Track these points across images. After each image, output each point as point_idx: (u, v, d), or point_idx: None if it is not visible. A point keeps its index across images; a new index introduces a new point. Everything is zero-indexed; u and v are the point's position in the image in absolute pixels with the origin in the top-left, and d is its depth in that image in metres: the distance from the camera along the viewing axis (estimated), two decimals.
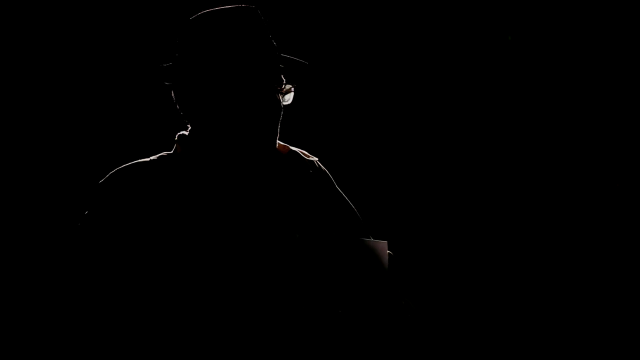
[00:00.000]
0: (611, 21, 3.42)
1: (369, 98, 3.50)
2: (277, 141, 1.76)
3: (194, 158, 1.68)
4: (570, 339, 3.38)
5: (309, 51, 1.86)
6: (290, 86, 1.70)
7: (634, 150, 3.43)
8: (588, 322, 3.39)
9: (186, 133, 1.74)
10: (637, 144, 3.43)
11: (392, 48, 3.50)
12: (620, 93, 3.44)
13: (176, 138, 1.75)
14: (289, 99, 1.70)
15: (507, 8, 3.49)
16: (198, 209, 1.61)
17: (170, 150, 1.73)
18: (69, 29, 3.04)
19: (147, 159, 1.70)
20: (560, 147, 3.48)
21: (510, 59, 3.51)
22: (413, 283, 1.96)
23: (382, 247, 1.75)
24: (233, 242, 1.60)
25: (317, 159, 1.86)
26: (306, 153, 1.84)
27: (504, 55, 3.51)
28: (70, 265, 1.60)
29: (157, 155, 1.72)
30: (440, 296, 3.32)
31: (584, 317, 3.39)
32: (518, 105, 3.52)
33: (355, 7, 3.45)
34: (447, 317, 3.31)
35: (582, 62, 3.46)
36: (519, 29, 3.50)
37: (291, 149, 1.80)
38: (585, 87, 3.47)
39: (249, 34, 1.66)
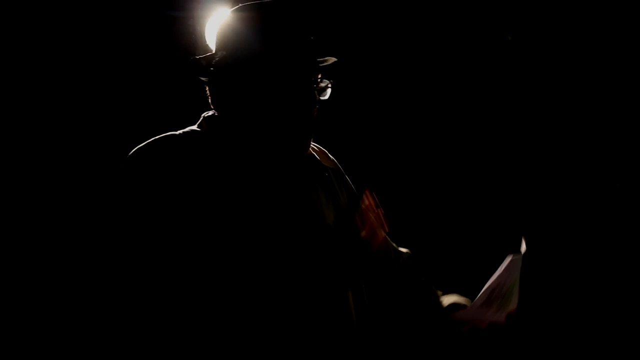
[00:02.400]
0: (611, 21, 3.43)
1: (372, 97, 3.50)
2: None
3: (222, 142, 1.64)
4: (570, 339, 3.38)
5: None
6: (327, 82, 1.66)
7: (634, 150, 3.43)
8: (588, 322, 3.39)
9: (213, 114, 1.70)
10: (637, 144, 3.43)
11: (394, 48, 3.50)
12: (620, 93, 3.45)
13: (203, 117, 1.70)
14: (325, 94, 1.67)
15: (507, 8, 3.50)
16: (216, 195, 1.58)
17: (194, 126, 1.69)
18: (84, 24, 3.04)
19: (176, 133, 1.65)
20: (560, 147, 3.49)
21: (510, 59, 3.52)
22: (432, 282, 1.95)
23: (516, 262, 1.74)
24: (244, 235, 1.58)
25: (333, 159, 1.84)
26: (325, 151, 1.83)
27: (504, 55, 3.52)
28: (98, 239, 1.57)
29: (187, 129, 1.67)
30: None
31: (584, 317, 3.40)
32: (518, 105, 3.52)
33: (357, 6, 3.45)
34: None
35: (582, 62, 3.47)
36: (519, 29, 3.51)
37: (311, 150, 1.77)
38: (585, 87, 3.47)
39: (292, 29, 1.62)
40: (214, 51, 1.67)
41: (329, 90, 1.66)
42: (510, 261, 1.74)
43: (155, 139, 1.62)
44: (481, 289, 1.90)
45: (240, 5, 1.66)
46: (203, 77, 1.66)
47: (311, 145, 1.79)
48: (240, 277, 1.56)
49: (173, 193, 1.55)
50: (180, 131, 1.66)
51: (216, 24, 1.68)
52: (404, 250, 1.96)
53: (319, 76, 1.65)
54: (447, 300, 1.83)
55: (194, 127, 1.68)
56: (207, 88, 1.68)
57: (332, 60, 1.67)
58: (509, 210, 3.50)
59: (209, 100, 1.68)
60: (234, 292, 1.55)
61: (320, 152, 1.80)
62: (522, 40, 3.51)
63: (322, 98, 1.66)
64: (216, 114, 1.68)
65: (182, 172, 1.57)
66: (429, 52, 3.52)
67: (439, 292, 1.87)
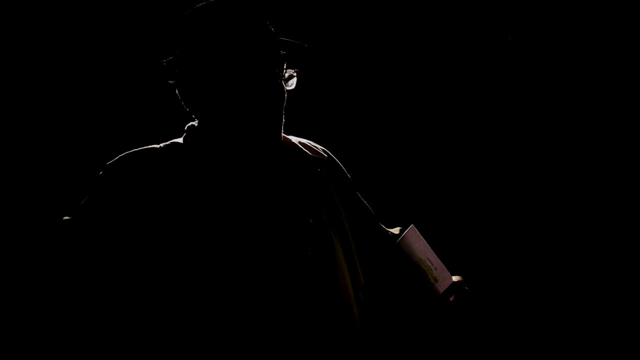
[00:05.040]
0: (611, 21, 3.42)
1: (372, 97, 3.50)
2: (283, 134, 1.75)
3: (204, 149, 1.67)
4: (570, 339, 3.38)
5: (314, 45, 1.85)
6: (292, 71, 1.69)
7: (634, 150, 3.43)
8: (588, 322, 3.39)
9: (195, 124, 1.73)
10: (637, 144, 3.43)
11: (393, 48, 3.50)
12: (620, 93, 3.44)
13: (185, 129, 1.73)
14: (292, 84, 1.69)
15: (507, 8, 3.49)
16: (204, 200, 1.60)
17: (179, 139, 1.72)
18: (67, 27, 3.04)
19: (158, 146, 1.68)
20: (560, 147, 3.48)
21: (510, 59, 3.51)
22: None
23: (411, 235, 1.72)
24: (237, 236, 1.58)
25: (323, 150, 1.84)
26: (314, 146, 1.83)
27: (504, 55, 3.51)
28: (71, 252, 1.58)
29: (169, 142, 1.70)
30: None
31: (584, 317, 3.39)
32: (518, 105, 3.52)
33: (358, 6, 3.45)
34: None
35: (582, 62, 3.46)
36: (519, 29, 3.50)
37: (298, 144, 1.78)
38: (585, 87, 3.47)
39: (247, 22, 1.65)
40: (176, 53, 1.69)
41: (294, 80, 1.68)
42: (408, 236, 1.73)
43: (136, 150, 1.65)
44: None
45: (197, 5, 1.70)
46: (170, 80, 1.70)
47: (300, 140, 1.80)
48: (236, 279, 1.56)
49: (155, 200, 1.57)
50: (162, 144, 1.68)
51: (177, 26, 1.71)
52: (396, 231, 1.96)
53: (283, 66, 1.67)
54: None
55: (178, 140, 1.70)
56: (176, 90, 1.71)
57: (294, 46, 1.69)
58: (508, 210, 3.50)
59: (182, 103, 1.71)
60: (230, 293, 1.56)
61: (308, 146, 1.81)
62: (522, 40, 3.50)
63: (288, 88, 1.68)
64: (196, 123, 1.71)
65: (163, 181, 1.59)
66: (428, 51, 3.52)
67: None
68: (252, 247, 1.58)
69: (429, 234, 1.84)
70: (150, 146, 1.68)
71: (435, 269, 1.74)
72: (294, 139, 1.79)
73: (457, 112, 3.52)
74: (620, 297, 3.38)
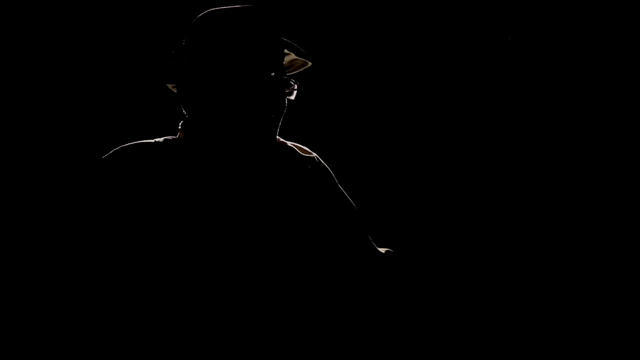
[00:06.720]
0: (611, 21, 3.42)
1: (371, 97, 3.50)
2: (278, 137, 1.76)
3: (197, 146, 1.67)
4: (570, 339, 3.38)
5: (310, 47, 1.86)
6: (294, 84, 1.69)
7: (634, 150, 3.42)
8: (588, 322, 3.38)
9: (189, 121, 1.73)
10: (637, 144, 3.43)
11: (392, 47, 3.50)
12: (620, 93, 3.44)
13: (180, 127, 1.74)
14: (293, 95, 1.70)
15: (507, 8, 3.49)
16: (196, 197, 1.60)
17: (174, 135, 1.73)
18: (70, 26, 3.04)
19: (152, 140, 1.69)
20: (560, 147, 3.48)
21: (510, 59, 3.51)
22: (412, 281, 1.95)
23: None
24: (230, 234, 1.59)
25: (316, 155, 1.85)
26: (306, 149, 1.84)
27: (504, 55, 3.51)
28: (66, 249, 1.59)
29: (162, 138, 1.71)
30: (438, 295, 3.31)
31: (584, 317, 3.39)
32: (518, 105, 3.52)
33: (356, 5, 3.45)
34: (447, 318, 3.31)
35: (582, 62, 3.46)
36: (519, 29, 3.50)
37: (290, 145, 1.80)
38: (585, 87, 3.47)
39: (256, 33, 1.65)
40: (182, 57, 1.69)
41: (294, 92, 1.69)
42: None
43: (130, 144, 1.66)
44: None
45: (208, 10, 1.70)
46: (170, 81, 1.70)
47: (292, 143, 1.81)
48: (228, 275, 1.57)
49: (149, 193, 1.58)
50: (156, 139, 1.69)
51: (185, 29, 1.72)
52: (383, 250, 1.97)
53: (287, 74, 1.68)
54: None
55: (169, 137, 1.71)
56: (175, 90, 1.71)
57: (301, 65, 1.70)
58: (508, 211, 3.50)
59: (180, 105, 1.72)
60: (223, 290, 1.56)
61: (300, 147, 1.82)
62: (522, 40, 3.50)
63: (289, 98, 1.68)
64: (189, 120, 1.71)
65: (157, 174, 1.60)
66: (428, 51, 3.52)
67: None
68: (245, 243, 1.59)
69: (427, 235, 1.85)
70: (144, 140, 1.68)
71: None
72: (287, 142, 1.80)
73: (457, 112, 3.52)
74: (620, 297, 3.37)
